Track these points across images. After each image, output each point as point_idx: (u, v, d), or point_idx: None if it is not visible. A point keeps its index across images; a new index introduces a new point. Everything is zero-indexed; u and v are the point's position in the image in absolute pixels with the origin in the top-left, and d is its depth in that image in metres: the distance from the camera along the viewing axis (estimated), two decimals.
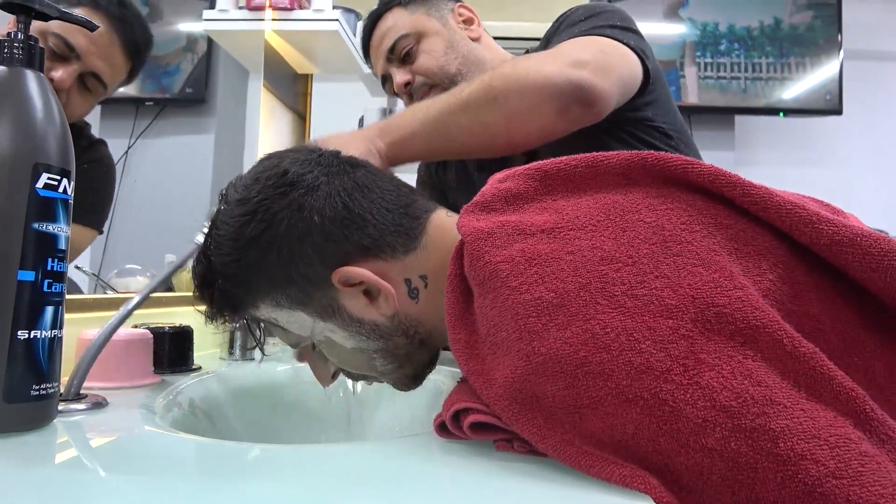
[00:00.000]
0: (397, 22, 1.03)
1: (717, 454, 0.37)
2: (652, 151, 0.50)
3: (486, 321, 0.46)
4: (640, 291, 0.41)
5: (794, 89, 2.75)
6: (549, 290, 0.43)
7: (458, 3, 1.07)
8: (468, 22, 1.06)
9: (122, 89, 1.27)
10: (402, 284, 0.57)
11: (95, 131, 1.16)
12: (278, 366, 0.91)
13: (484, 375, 0.46)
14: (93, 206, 1.01)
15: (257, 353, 0.67)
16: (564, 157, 0.52)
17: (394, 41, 1.02)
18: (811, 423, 0.37)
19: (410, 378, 0.63)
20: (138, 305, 0.64)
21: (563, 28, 0.92)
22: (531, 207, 0.50)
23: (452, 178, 1.15)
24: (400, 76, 1.03)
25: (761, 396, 0.37)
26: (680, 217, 0.45)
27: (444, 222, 0.60)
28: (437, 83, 1.01)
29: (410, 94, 1.04)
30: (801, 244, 0.45)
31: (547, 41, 0.96)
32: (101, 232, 1.05)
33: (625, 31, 0.82)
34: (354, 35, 1.90)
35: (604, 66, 0.75)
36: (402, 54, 1.02)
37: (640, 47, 0.82)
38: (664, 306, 0.40)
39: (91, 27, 0.55)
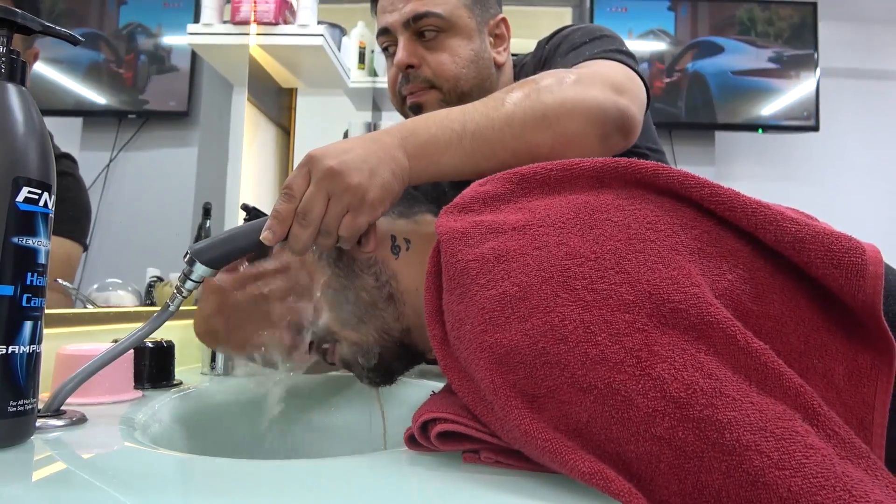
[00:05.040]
0: None
1: (666, 443, 0.38)
2: (624, 158, 0.52)
3: (451, 316, 0.48)
4: (600, 286, 0.43)
5: (772, 106, 2.81)
6: (514, 283, 0.44)
7: (502, 17, 0.99)
8: (499, 40, 0.98)
9: (103, 101, 1.27)
10: (387, 238, 0.65)
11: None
12: (259, 382, 0.90)
13: (459, 370, 0.48)
14: (75, 220, 1.01)
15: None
16: (541, 163, 0.54)
17: (423, 12, 0.90)
18: (759, 416, 0.38)
19: (373, 356, 0.65)
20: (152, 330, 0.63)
21: (566, 51, 0.87)
22: (507, 208, 0.51)
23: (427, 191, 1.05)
24: (407, 53, 0.91)
25: (711, 388, 0.38)
26: (647, 217, 0.47)
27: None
28: (440, 88, 0.92)
29: (406, 77, 0.93)
30: (767, 244, 0.46)
31: (544, 60, 0.94)
32: (85, 247, 1.04)
33: (631, 58, 0.80)
34: (339, 50, 1.92)
35: (635, 95, 0.72)
36: (422, 31, 0.91)
37: (644, 77, 0.80)
38: (622, 301, 0.42)
39: (74, 41, 0.55)
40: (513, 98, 0.65)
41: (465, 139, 0.62)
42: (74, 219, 1.01)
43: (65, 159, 1.04)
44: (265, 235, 0.57)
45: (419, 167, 0.61)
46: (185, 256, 0.61)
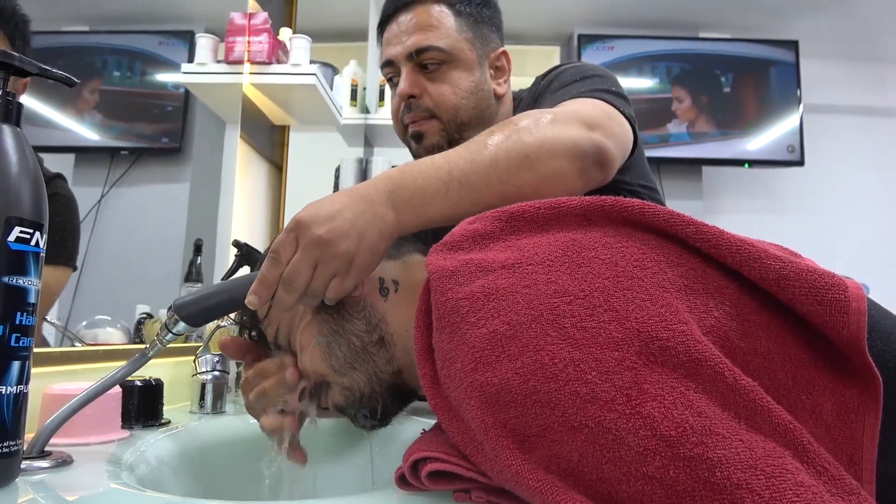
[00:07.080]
0: (441, 26, 0.95)
1: (657, 482, 0.38)
2: (611, 196, 0.52)
3: (441, 355, 0.48)
4: (589, 324, 0.43)
5: (757, 141, 2.86)
6: (504, 322, 0.44)
7: (502, 50, 1.02)
8: (500, 72, 1.01)
9: (97, 137, 1.28)
10: (375, 281, 0.65)
11: (69, 179, 1.15)
12: (248, 420, 0.89)
13: (450, 410, 0.48)
14: (62, 242, 1.00)
15: None
16: (529, 202, 0.55)
17: (426, 46, 0.94)
18: (749, 454, 0.38)
19: (366, 400, 0.64)
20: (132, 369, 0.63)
21: (556, 88, 0.90)
22: (496, 246, 0.52)
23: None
24: (409, 84, 0.95)
25: (701, 427, 0.39)
26: (633, 255, 0.47)
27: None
28: (440, 118, 0.95)
29: (408, 107, 0.96)
30: (752, 281, 0.47)
31: (535, 99, 0.97)
32: (74, 268, 1.03)
33: (618, 97, 0.83)
34: (331, 88, 1.94)
35: (611, 130, 0.74)
36: (425, 64, 0.95)
37: (630, 114, 0.82)
38: (611, 339, 0.42)
39: (70, 83, 0.56)
40: (494, 140, 0.66)
41: (451, 187, 0.62)
42: (62, 242, 1.00)
43: (56, 180, 1.03)
44: (250, 300, 0.58)
45: (407, 220, 0.61)
46: (169, 309, 0.61)
